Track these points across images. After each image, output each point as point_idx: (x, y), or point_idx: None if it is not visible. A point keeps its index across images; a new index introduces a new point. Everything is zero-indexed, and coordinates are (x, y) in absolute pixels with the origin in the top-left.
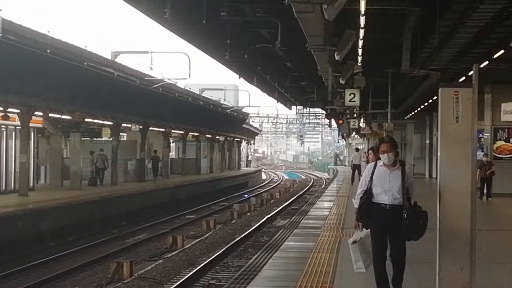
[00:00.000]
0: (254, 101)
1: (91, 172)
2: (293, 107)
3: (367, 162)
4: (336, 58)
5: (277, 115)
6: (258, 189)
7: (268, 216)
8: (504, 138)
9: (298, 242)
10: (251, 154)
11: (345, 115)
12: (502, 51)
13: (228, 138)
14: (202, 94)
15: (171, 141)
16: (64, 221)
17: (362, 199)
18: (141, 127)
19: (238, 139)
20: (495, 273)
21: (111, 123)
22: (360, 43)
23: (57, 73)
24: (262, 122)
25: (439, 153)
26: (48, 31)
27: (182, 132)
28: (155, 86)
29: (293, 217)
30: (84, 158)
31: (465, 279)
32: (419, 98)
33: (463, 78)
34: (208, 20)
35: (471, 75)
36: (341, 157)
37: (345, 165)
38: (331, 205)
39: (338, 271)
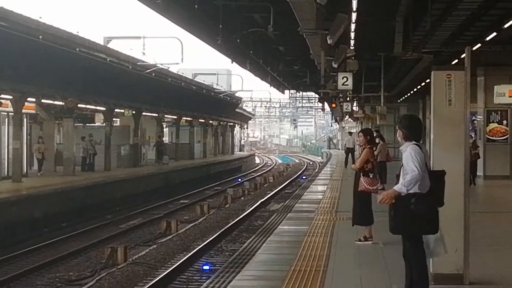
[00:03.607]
0: (247, 86)
1: (82, 158)
2: (286, 91)
3: (359, 145)
4: (329, 42)
5: (270, 99)
6: (251, 173)
7: (262, 200)
8: (497, 120)
9: (292, 226)
10: (244, 139)
11: (338, 98)
12: (494, 33)
13: (221, 123)
14: (195, 79)
15: (164, 126)
16: (58, 207)
17: None
18: (134, 112)
19: (231, 124)
20: (488, 256)
21: (104, 109)
22: (353, 26)
23: (49, 59)
24: (255, 106)
25: (432, 136)
26: (40, 17)
27: (175, 117)
28: (148, 71)
29: (287, 201)
30: (78, 144)
31: (459, 261)
32: (412, 81)
33: (456, 61)
34: (200, 4)
35: (464, 58)
36: (335, 141)
37: (339, 149)
38: (325, 189)
39: (332, 254)
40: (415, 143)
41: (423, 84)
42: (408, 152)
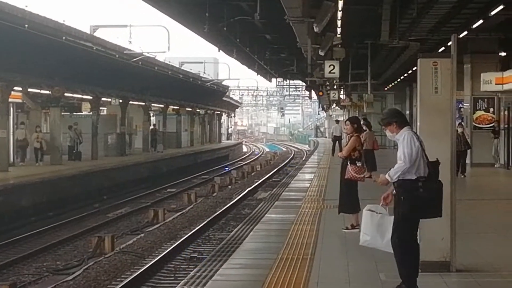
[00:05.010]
0: (234, 74)
1: (69, 147)
2: (273, 80)
3: (346, 133)
4: (315, 30)
5: (257, 87)
6: (239, 162)
7: (249, 188)
8: (483, 108)
9: (279, 214)
10: (231, 127)
11: (325, 86)
12: (481, 21)
13: (208, 111)
14: (182, 68)
15: (151, 114)
16: (45, 196)
17: None
18: (121, 101)
19: (219, 112)
20: (475, 243)
21: (91, 98)
22: (339, 14)
23: (35, 48)
24: (242, 94)
25: (418, 124)
26: (26, 6)
27: (162, 105)
28: (135, 59)
29: (274, 189)
30: (64, 133)
31: (446, 249)
32: (399, 69)
33: (443, 48)
34: None
35: (450, 45)
36: (322, 129)
37: (326, 137)
38: (312, 177)
39: (319, 242)
40: (410, 129)
41: (410, 72)
42: (403, 137)
